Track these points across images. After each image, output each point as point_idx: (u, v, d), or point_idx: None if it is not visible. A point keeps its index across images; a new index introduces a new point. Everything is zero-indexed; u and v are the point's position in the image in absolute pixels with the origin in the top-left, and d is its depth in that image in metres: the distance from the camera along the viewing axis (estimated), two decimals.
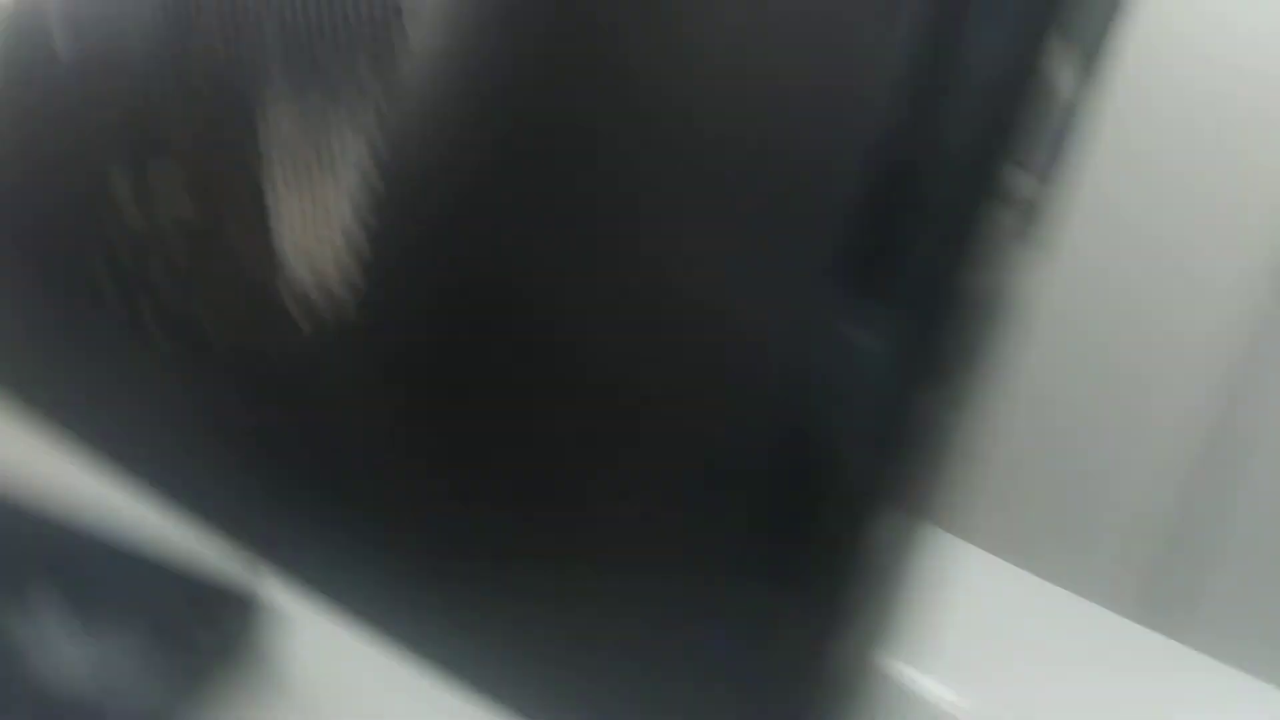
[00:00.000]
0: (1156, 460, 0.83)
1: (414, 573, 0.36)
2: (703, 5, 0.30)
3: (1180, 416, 0.82)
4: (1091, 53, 0.29)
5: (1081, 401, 0.84)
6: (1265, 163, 0.78)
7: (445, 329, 0.36)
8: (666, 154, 0.31)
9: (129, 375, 0.44)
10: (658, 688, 0.31)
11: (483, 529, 0.34)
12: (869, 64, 0.29)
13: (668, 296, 0.31)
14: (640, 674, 0.32)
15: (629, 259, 0.32)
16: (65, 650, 0.32)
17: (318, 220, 0.39)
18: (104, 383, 0.45)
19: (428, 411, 0.36)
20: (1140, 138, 0.78)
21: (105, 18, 0.43)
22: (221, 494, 0.41)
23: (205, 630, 0.35)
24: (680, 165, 0.31)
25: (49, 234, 0.46)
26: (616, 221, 0.33)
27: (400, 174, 0.36)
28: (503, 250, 0.34)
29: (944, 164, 0.28)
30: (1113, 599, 0.46)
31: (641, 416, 0.32)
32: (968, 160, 0.28)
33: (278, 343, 0.40)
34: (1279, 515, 0.81)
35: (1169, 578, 0.82)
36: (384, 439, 0.38)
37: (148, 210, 0.43)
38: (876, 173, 0.28)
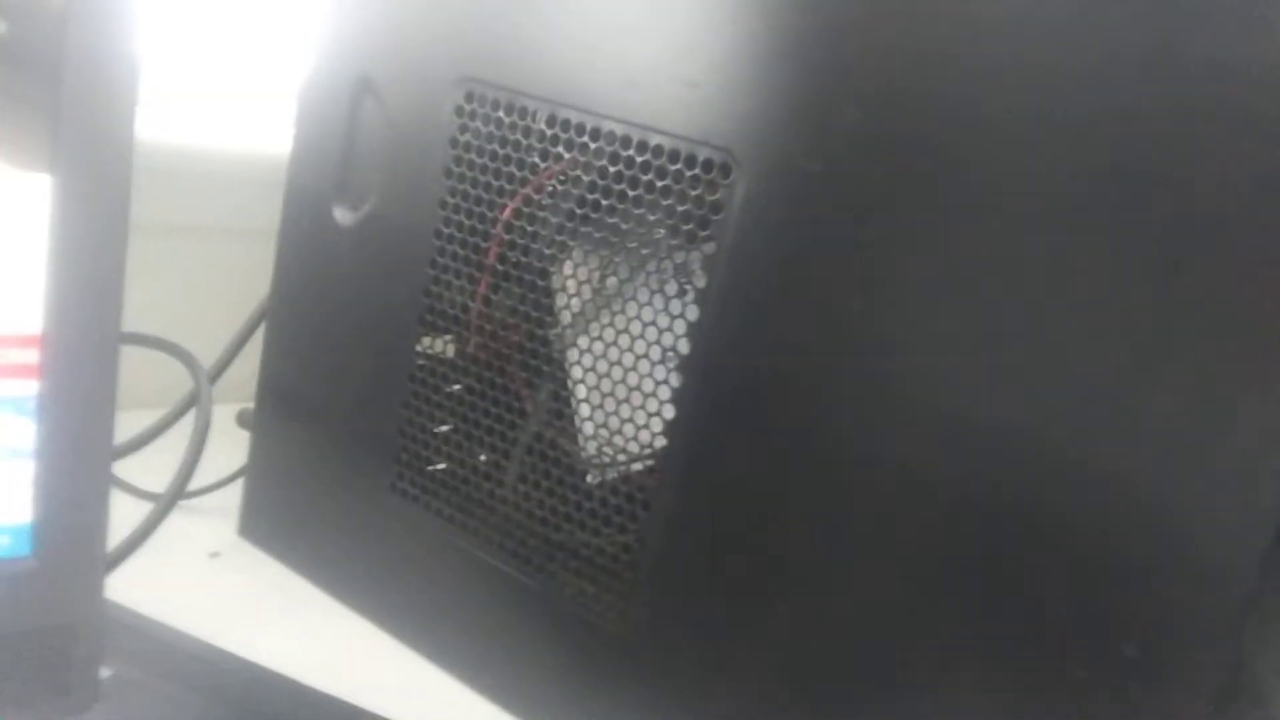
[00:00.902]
0: None
1: None
2: None
3: None
4: None
5: None
6: None
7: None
8: None
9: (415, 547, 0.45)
10: None
11: None
12: None
13: None
14: None
15: None
16: None
17: (619, 392, 0.40)
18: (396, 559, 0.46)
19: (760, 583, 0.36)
20: None
21: (385, 190, 0.45)
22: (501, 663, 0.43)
23: None
24: None
25: (335, 400, 0.48)
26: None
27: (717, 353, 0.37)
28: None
29: None
30: None
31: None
32: None
33: (572, 507, 0.41)
34: None
35: None
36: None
37: (438, 378, 0.44)
38: None
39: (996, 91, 0.31)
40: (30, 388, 0.30)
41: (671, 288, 0.39)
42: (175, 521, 0.47)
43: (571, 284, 0.42)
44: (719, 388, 0.37)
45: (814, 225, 0.34)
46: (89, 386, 0.31)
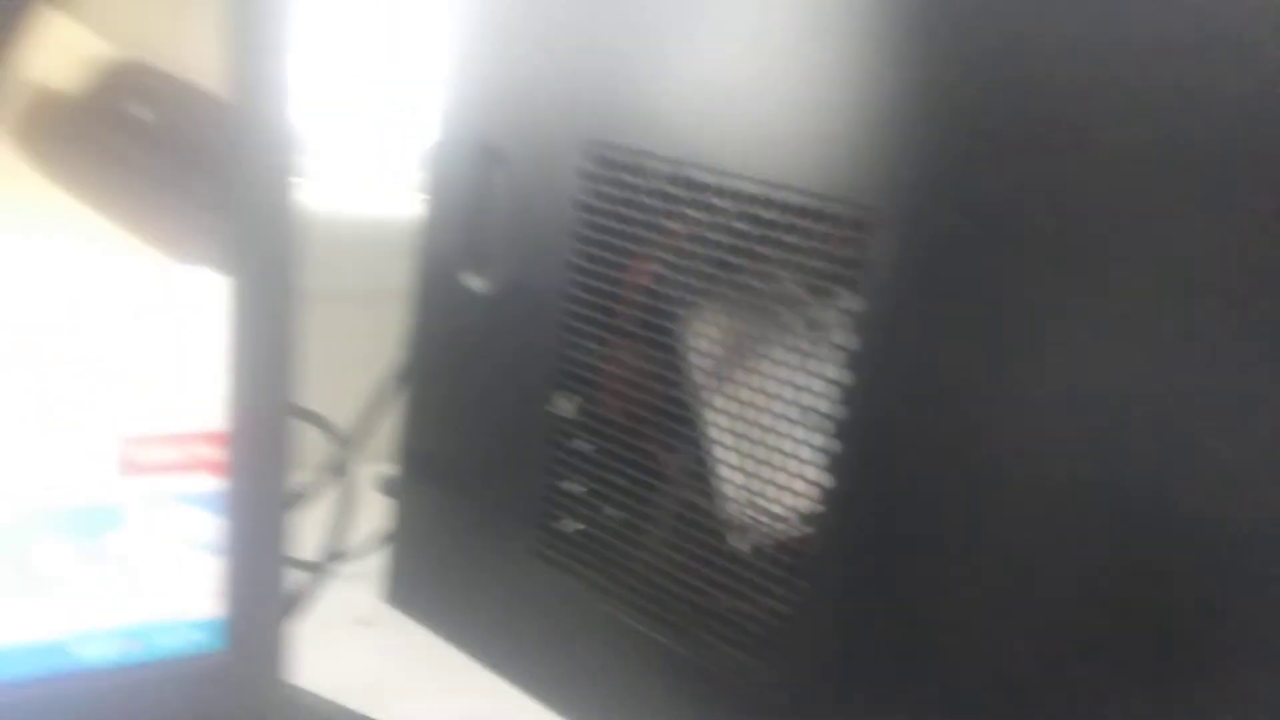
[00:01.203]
0: None
1: None
2: None
3: None
4: None
5: None
6: None
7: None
8: None
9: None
10: None
11: None
12: None
13: None
14: None
15: None
16: None
17: (760, 454, 0.40)
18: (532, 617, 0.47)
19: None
20: None
21: (515, 255, 0.46)
22: None
23: None
24: None
25: (476, 466, 0.49)
26: None
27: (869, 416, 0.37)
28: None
29: None
30: None
31: None
32: None
33: (718, 572, 0.41)
34: None
35: None
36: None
37: (575, 441, 0.45)
38: None
39: (1153, 140, 0.30)
40: (213, 483, 0.31)
41: (809, 345, 0.39)
42: (323, 588, 0.48)
43: (704, 343, 0.42)
44: (880, 454, 0.36)
45: (967, 283, 0.34)
46: (269, 478, 0.31)
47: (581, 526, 0.46)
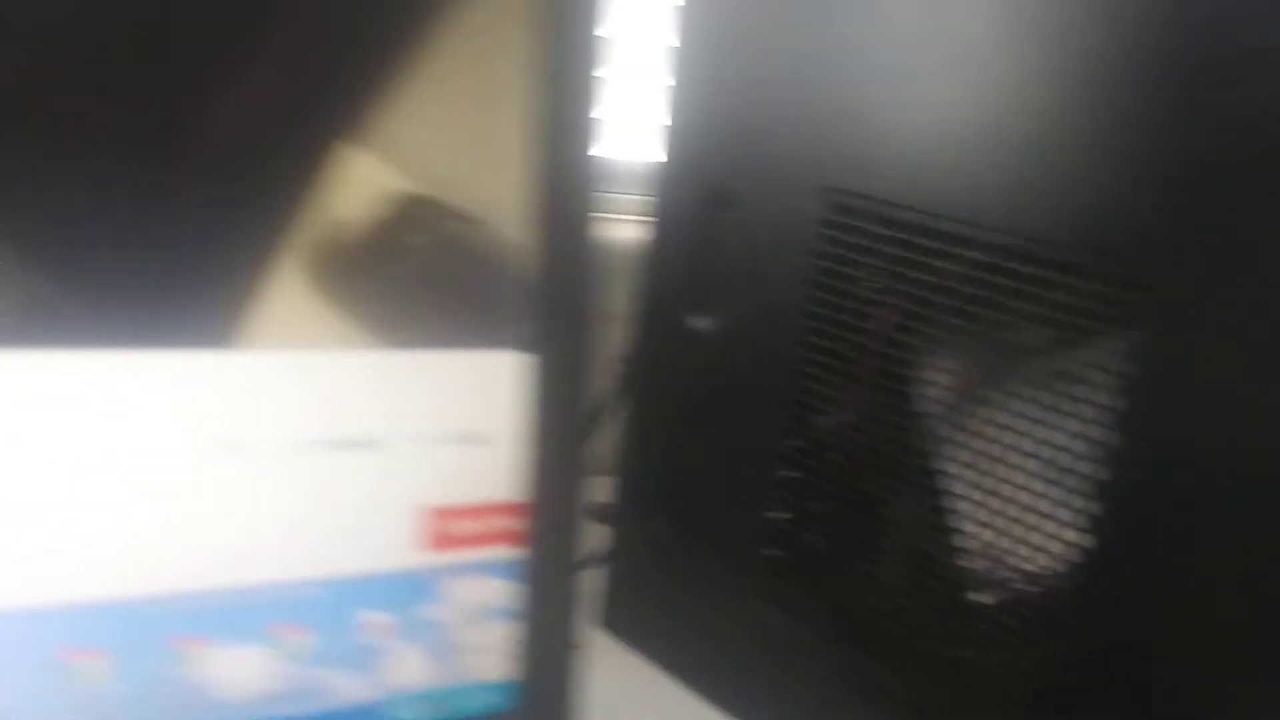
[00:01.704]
0: None
1: None
2: None
3: None
4: None
5: None
6: None
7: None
8: None
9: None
10: None
11: None
12: None
13: None
14: None
15: None
16: None
17: (1009, 510, 0.40)
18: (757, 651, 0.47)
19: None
20: None
21: (746, 299, 0.47)
22: None
23: None
24: None
25: (698, 501, 0.50)
26: None
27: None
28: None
29: None
30: None
31: None
32: None
33: (954, 622, 0.41)
34: None
35: None
36: None
37: (804, 484, 0.46)
38: None
39: None
40: (512, 552, 0.32)
41: (1062, 402, 0.39)
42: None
43: (942, 391, 0.42)
44: (1144, 518, 0.36)
45: (1247, 350, 0.33)
46: (563, 546, 0.32)
47: (807, 571, 0.46)
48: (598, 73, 0.30)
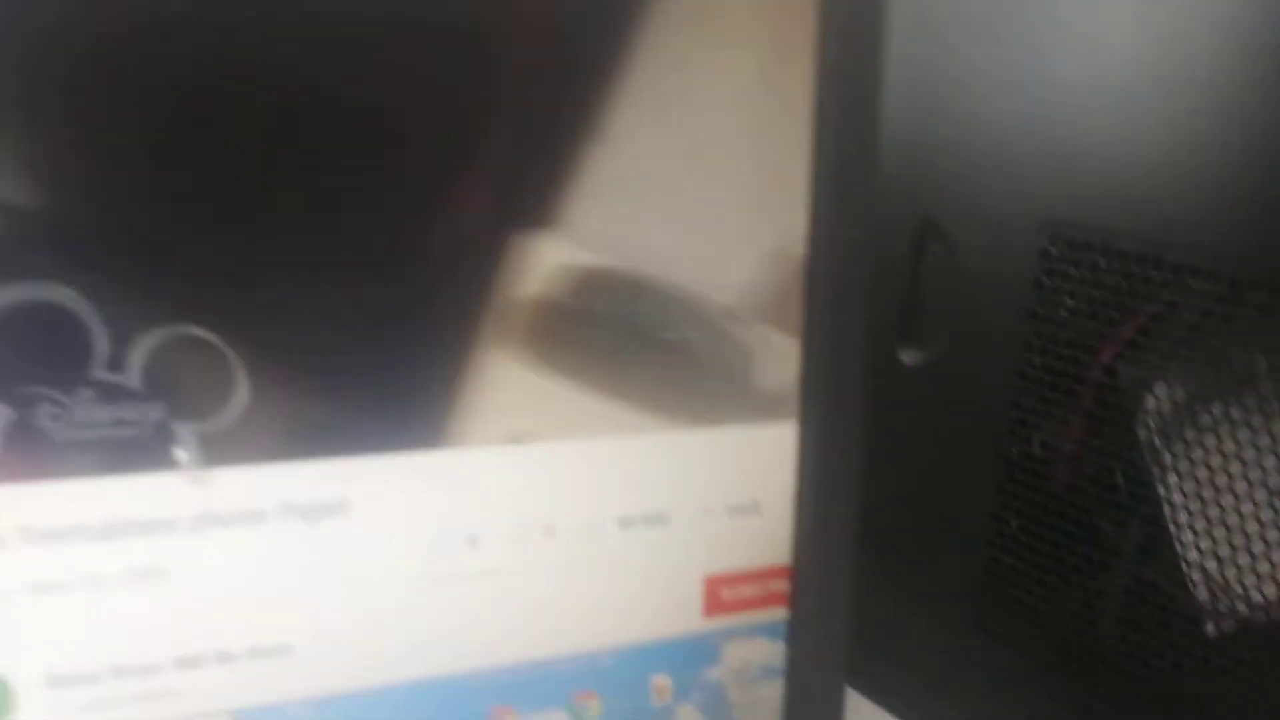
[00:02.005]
0: None
1: None
2: None
3: None
4: None
5: None
6: None
7: None
8: None
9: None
10: None
11: None
12: None
13: None
14: None
15: None
16: None
17: (1235, 540, 0.39)
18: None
19: None
20: None
21: (957, 332, 0.47)
22: None
23: None
24: None
25: (910, 534, 0.50)
26: None
27: None
28: None
29: None
30: None
31: None
32: None
33: (1182, 655, 0.41)
34: None
35: None
36: None
37: (1020, 516, 0.46)
38: None
39: None
40: (780, 614, 0.33)
41: None
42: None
43: (1168, 421, 0.42)
44: None
45: None
46: (832, 607, 0.33)
47: (1026, 603, 0.46)
48: (872, 141, 0.31)
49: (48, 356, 0.25)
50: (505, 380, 0.29)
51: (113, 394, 0.25)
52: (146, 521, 0.26)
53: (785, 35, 0.30)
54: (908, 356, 0.48)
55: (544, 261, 0.29)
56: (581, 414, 0.30)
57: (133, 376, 0.26)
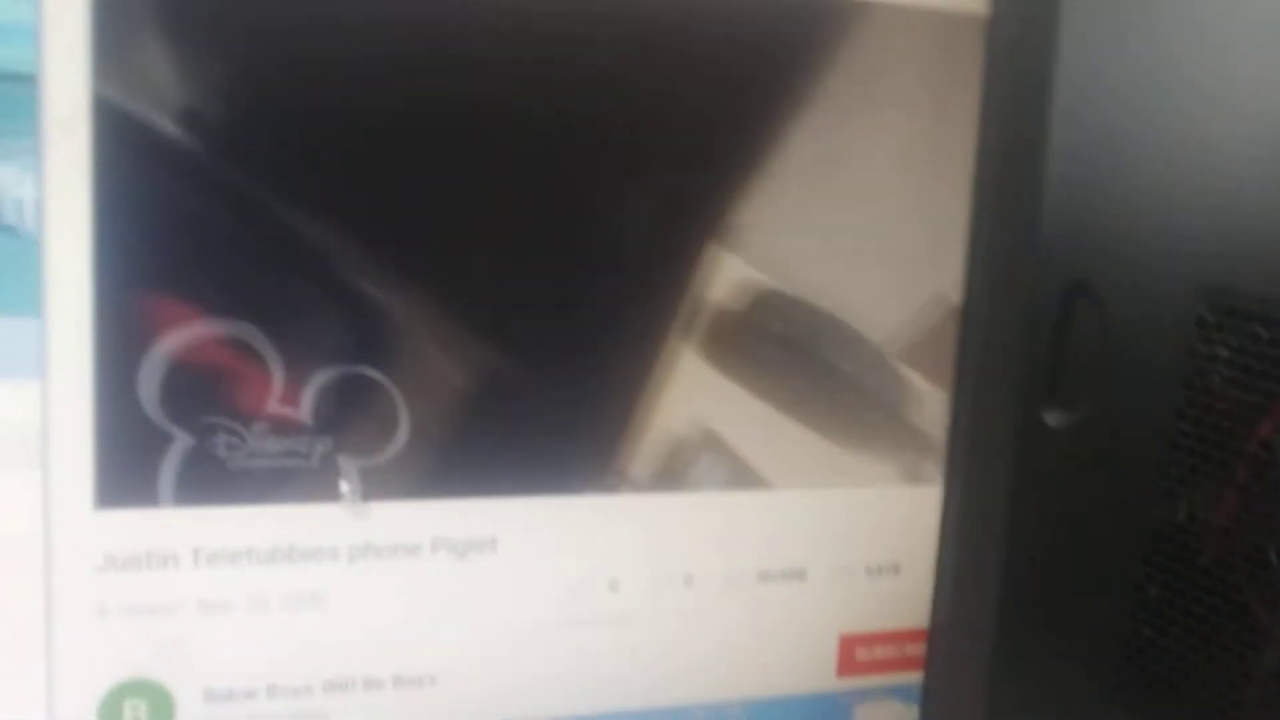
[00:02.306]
0: None
1: None
2: None
3: None
4: None
5: None
6: None
7: None
8: None
9: None
10: None
11: None
12: None
13: None
14: None
15: None
16: None
17: None
18: None
19: None
20: None
21: (1104, 396, 0.44)
22: None
23: None
24: None
25: (1037, 597, 0.50)
26: None
27: None
28: None
29: None
30: None
31: None
32: None
33: None
34: None
35: None
36: None
37: (1164, 588, 0.45)
38: None
39: None
40: (915, 677, 0.33)
41: None
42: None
43: None
44: None
45: None
46: (966, 676, 0.33)
47: (1164, 678, 0.45)
48: (1032, 200, 0.30)
49: (229, 389, 0.26)
50: (657, 432, 0.29)
51: (285, 427, 0.27)
52: (309, 549, 0.28)
53: (950, 97, 0.30)
54: (1053, 418, 0.47)
55: (725, 278, 0.29)
56: (728, 469, 0.30)
57: (305, 411, 0.27)
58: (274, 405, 0.27)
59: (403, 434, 0.28)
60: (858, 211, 0.31)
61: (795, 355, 0.30)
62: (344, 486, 0.27)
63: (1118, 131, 0.45)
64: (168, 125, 0.25)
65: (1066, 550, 0.47)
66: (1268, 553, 0.41)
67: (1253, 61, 0.40)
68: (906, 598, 0.32)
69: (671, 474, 0.30)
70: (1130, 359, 0.45)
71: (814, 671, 0.32)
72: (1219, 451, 0.42)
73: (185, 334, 0.26)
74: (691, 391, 0.29)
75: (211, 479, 0.27)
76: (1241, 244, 0.41)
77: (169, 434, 0.26)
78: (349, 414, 0.27)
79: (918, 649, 0.33)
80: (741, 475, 0.30)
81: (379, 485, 0.28)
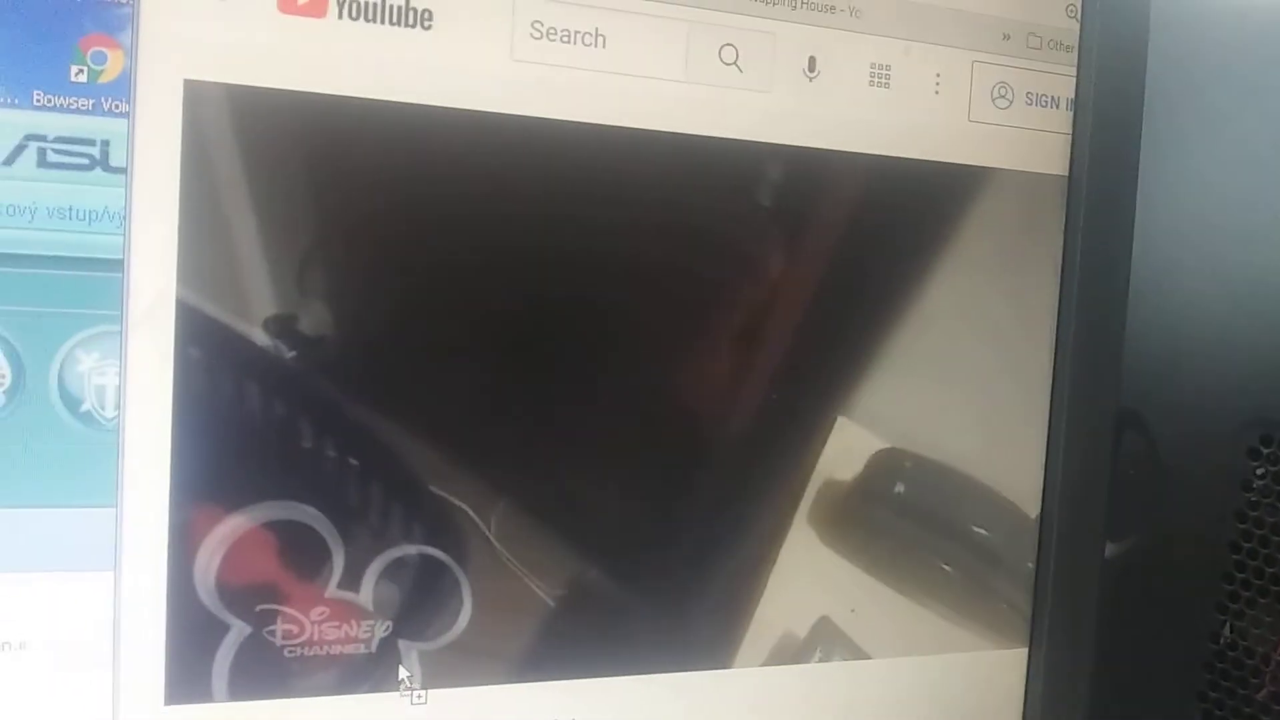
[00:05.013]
0: None
1: None
2: None
3: None
4: None
5: None
6: None
7: None
8: None
9: None
10: None
11: None
12: None
13: None
14: None
15: None
16: None
17: None
18: None
19: None
20: None
21: (1156, 527, 0.44)
22: None
23: None
24: None
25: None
26: None
27: None
28: None
29: None
30: None
31: None
32: None
33: None
34: None
35: None
36: None
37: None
38: None
39: None
40: None
41: None
42: None
43: None
44: None
45: None
46: None
47: None
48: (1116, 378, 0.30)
49: (289, 574, 0.25)
50: (765, 625, 0.29)
51: (345, 612, 0.26)
52: None
53: (1033, 271, 0.33)
54: (1109, 549, 0.47)
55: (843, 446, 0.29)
56: (836, 648, 0.29)
57: (365, 595, 0.26)
58: (333, 589, 0.26)
59: (465, 616, 0.27)
60: (973, 372, 0.32)
61: (913, 522, 0.30)
62: (403, 673, 0.26)
63: (1177, 268, 0.44)
64: (248, 328, 0.25)
65: (1122, 684, 0.46)
66: None
67: None
68: None
69: (778, 659, 0.29)
70: (1183, 491, 0.44)
71: None
72: (1277, 588, 0.41)
73: (248, 520, 0.25)
74: (804, 578, 0.29)
75: (265, 670, 0.25)
76: None
77: (226, 624, 0.25)
78: (411, 596, 0.26)
79: None
80: (845, 650, 0.30)
81: (439, 671, 0.27)
